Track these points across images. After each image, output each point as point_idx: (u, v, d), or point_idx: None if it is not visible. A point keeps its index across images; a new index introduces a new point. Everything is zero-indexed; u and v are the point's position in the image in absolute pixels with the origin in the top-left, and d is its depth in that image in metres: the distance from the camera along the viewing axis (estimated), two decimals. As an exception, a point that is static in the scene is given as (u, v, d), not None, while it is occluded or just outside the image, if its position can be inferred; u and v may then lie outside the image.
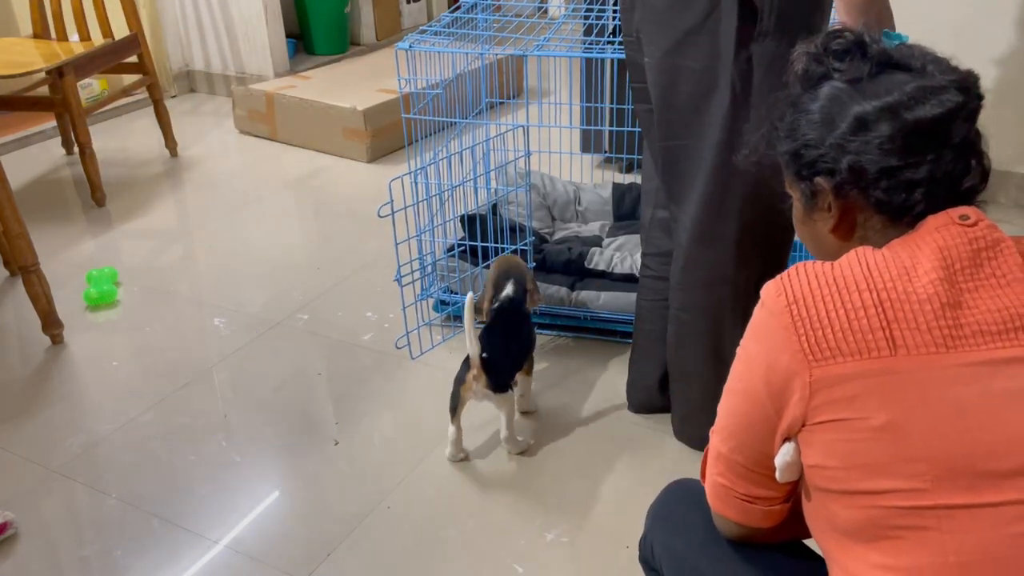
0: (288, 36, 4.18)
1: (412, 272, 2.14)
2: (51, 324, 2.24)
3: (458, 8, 2.32)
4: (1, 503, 1.71)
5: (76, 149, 3.20)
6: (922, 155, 0.85)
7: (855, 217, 0.91)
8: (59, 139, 3.55)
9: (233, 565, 1.58)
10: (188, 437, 1.91)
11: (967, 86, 0.87)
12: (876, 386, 0.78)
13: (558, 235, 2.54)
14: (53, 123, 3.58)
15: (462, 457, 1.82)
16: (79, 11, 3.16)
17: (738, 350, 0.90)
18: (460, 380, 1.75)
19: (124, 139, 3.72)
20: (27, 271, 2.18)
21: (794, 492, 0.94)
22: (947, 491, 0.76)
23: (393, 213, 1.95)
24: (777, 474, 0.89)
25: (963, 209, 0.85)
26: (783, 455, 0.87)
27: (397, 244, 2.08)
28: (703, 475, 1.02)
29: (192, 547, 1.62)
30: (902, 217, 0.87)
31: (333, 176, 3.30)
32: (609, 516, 1.67)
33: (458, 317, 2.23)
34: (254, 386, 2.07)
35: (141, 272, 2.61)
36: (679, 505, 1.10)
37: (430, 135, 2.21)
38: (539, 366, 2.10)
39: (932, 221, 0.85)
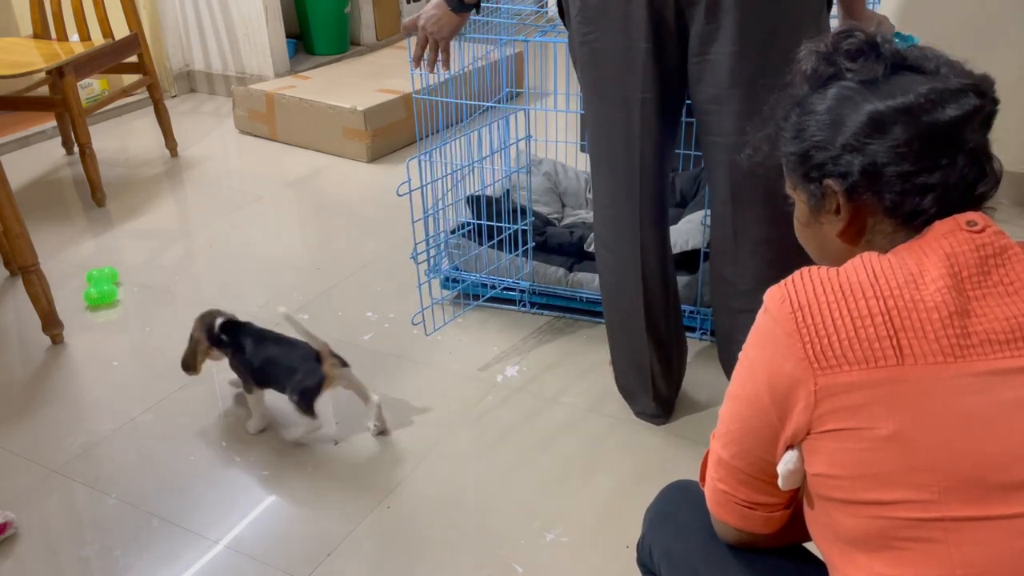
0: (288, 36, 4.18)
1: (428, 250, 2.25)
2: (51, 324, 2.24)
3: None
4: (1, 503, 1.71)
5: (76, 149, 3.21)
6: (936, 159, 0.84)
7: (865, 220, 0.89)
8: (59, 139, 3.55)
9: (233, 565, 1.58)
10: (188, 437, 1.91)
11: (983, 90, 0.85)
12: (883, 395, 0.77)
13: (567, 220, 2.59)
14: (53, 123, 3.58)
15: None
16: (79, 11, 3.16)
17: (740, 355, 0.88)
18: (318, 379, 1.78)
19: (124, 139, 3.72)
20: (27, 271, 2.18)
21: (795, 498, 0.93)
22: (954, 503, 0.75)
23: (411, 191, 2.04)
24: (780, 482, 0.88)
25: (970, 215, 0.83)
26: (786, 463, 0.86)
27: (414, 222, 2.14)
28: (702, 479, 1.01)
29: (192, 547, 1.62)
30: (912, 222, 0.86)
31: (333, 176, 3.30)
32: (609, 516, 1.67)
33: (467, 295, 2.34)
34: (254, 386, 2.07)
35: (141, 272, 2.61)
36: (678, 507, 1.09)
37: (440, 128, 2.27)
38: (537, 348, 2.10)
39: (939, 227, 0.83)
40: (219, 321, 1.89)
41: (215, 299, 2.45)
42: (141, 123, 3.87)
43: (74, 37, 3.25)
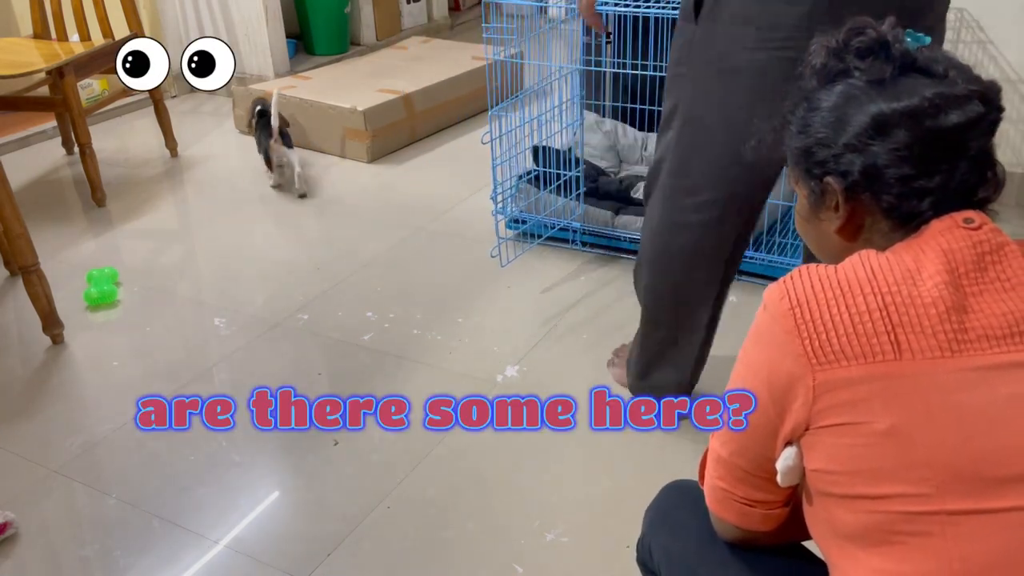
0: (288, 36, 4.18)
1: (498, 192, 2.60)
2: (51, 324, 2.24)
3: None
4: (1, 503, 1.71)
5: (76, 149, 3.21)
6: (937, 164, 0.84)
7: (863, 219, 0.90)
8: (59, 139, 3.54)
9: (233, 565, 1.58)
10: (188, 437, 1.91)
11: (989, 97, 0.85)
12: (880, 390, 0.77)
13: (623, 174, 2.92)
14: (53, 123, 3.57)
15: (278, 184, 3.04)
16: (79, 11, 3.16)
17: (740, 353, 0.89)
18: (266, 145, 3.06)
19: (124, 139, 3.72)
20: (27, 271, 2.18)
21: (794, 496, 0.94)
22: (951, 497, 0.75)
23: (492, 140, 2.43)
24: (778, 478, 0.88)
25: (968, 212, 0.84)
26: (785, 459, 0.86)
27: (495, 166, 2.52)
28: (701, 477, 1.01)
29: (192, 547, 1.62)
30: (909, 222, 0.86)
31: (333, 176, 3.30)
32: (609, 516, 1.67)
33: (532, 235, 2.64)
34: (254, 386, 2.07)
35: (141, 272, 2.61)
36: (677, 507, 1.10)
37: (507, 96, 2.54)
38: (536, 349, 2.10)
39: (936, 224, 0.84)
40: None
41: (215, 299, 2.45)
42: (141, 123, 3.87)
43: (74, 37, 3.24)
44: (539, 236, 2.63)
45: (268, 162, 3.12)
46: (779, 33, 1.44)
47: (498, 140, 2.48)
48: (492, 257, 2.53)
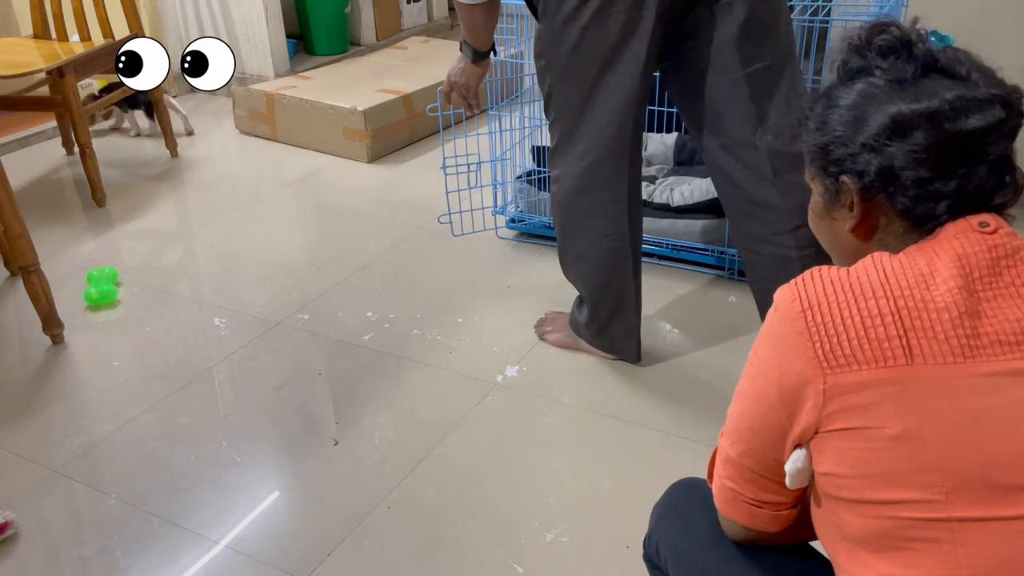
0: (288, 36, 4.18)
1: (457, 166, 2.62)
2: (51, 324, 2.24)
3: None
4: (1, 503, 1.71)
5: (76, 149, 3.21)
6: (954, 168, 0.83)
7: (878, 220, 0.89)
8: (59, 139, 3.55)
9: (233, 565, 1.58)
10: (188, 437, 1.91)
11: (1011, 102, 0.85)
12: (891, 395, 0.77)
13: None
14: (53, 123, 3.58)
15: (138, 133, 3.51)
16: (79, 11, 3.16)
17: (750, 354, 0.88)
18: (146, 99, 3.39)
19: (124, 139, 3.72)
20: (27, 271, 2.18)
21: (803, 497, 0.93)
22: (961, 503, 0.75)
23: (440, 114, 2.39)
24: (787, 480, 0.87)
25: (983, 216, 0.83)
26: (794, 462, 0.86)
27: (444, 141, 2.61)
28: (710, 476, 1.01)
29: (192, 547, 1.62)
30: (924, 224, 0.86)
31: (333, 176, 3.30)
32: (609, 516, 1.67)
33: (528, 234, 2.64)
34: (254, 386, 2.07)
35: (141, 272, 2.61)
36: (685, 504, 1.09)
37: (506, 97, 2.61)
38: (537, 348, 2.10)
39: (951, 228, 0.83)
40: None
41: (215, 299, 2.45)
42: (141, 123, 3.86)
43: (74, 37, 3.25)
44: (539, 236, 2.63)
45: (149, 113, 3.52)
46: (594, 3, 1.65)
47: (498, 140, 2.48)
48: (491, 256, 2.52)
